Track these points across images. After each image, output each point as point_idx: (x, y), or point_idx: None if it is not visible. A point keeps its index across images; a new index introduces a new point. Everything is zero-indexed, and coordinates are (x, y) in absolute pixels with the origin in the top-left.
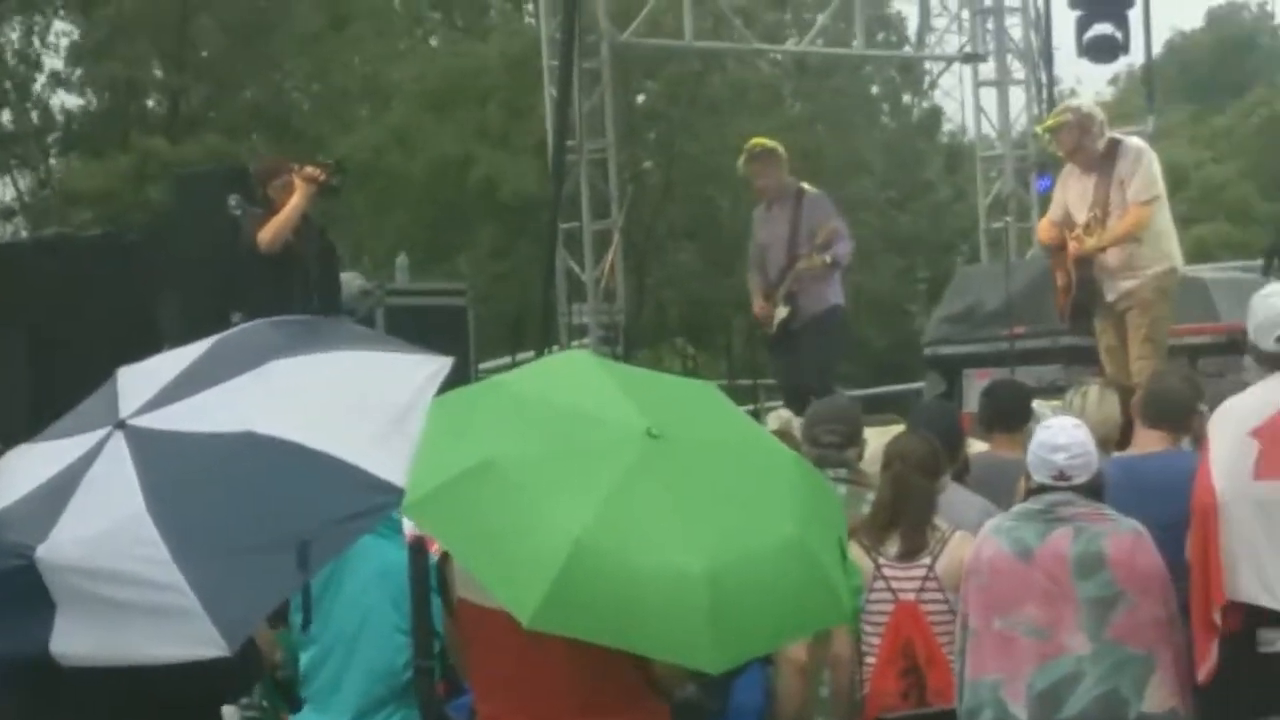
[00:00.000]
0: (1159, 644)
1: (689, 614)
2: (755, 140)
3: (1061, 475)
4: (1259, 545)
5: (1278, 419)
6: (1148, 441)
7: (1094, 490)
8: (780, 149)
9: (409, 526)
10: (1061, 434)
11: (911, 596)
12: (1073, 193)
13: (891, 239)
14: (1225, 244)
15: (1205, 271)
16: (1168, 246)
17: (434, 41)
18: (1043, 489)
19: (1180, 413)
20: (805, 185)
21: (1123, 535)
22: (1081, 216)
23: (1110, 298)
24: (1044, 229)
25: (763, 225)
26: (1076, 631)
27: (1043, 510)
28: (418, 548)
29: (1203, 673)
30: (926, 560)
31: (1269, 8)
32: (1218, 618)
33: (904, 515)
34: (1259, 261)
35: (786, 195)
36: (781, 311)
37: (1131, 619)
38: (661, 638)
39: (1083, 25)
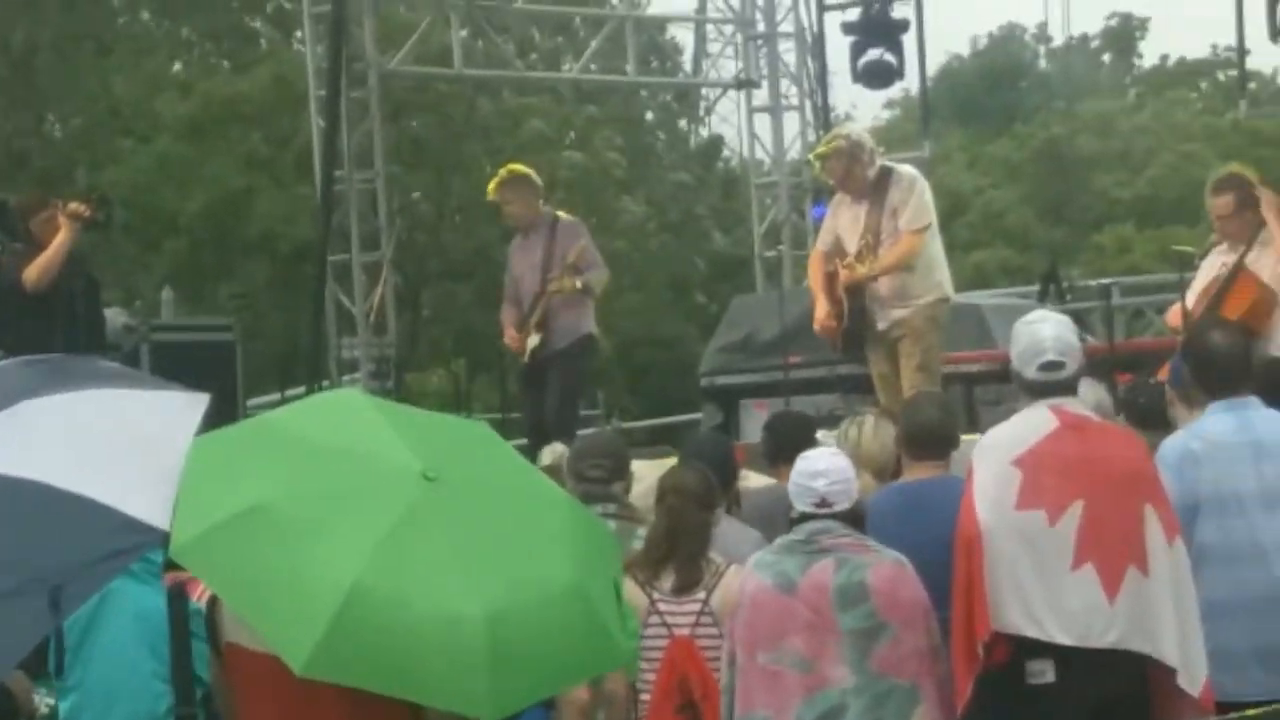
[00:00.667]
0: (923, 675)
1: (466, 660)
2: (508, 166)
3: (823, 502)
4: (1023, 576)
5: (1040, 448)
6: (917, 473)
7: (855, 519)
8: (533, 175)
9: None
10: (820, 461)
11: (686, 631)
12: (844, 221)
13: (668, 267)
14: (1005, 269)
15: (981, 298)
16: (939, 275)
17: (199, 71)
18: (804, 517)
19: (942, 443)
20: (561, 214)
21: (885, 566)
22: (853, 245)
23: (882, 326)
24: (814, 259)
25: (517, 255)
26: (840, 664)
27: (804, 541)
28: (177, 593)
29: (959, 705)
30: (701, 594)
31: (1048, 29)
32: (980, 650)
33: (679, 549)
34: (1035, 288)
35: (541, 224)
36: (533, 340)
37: (894, 650)
38: (438, 685)
39: (857, 50)
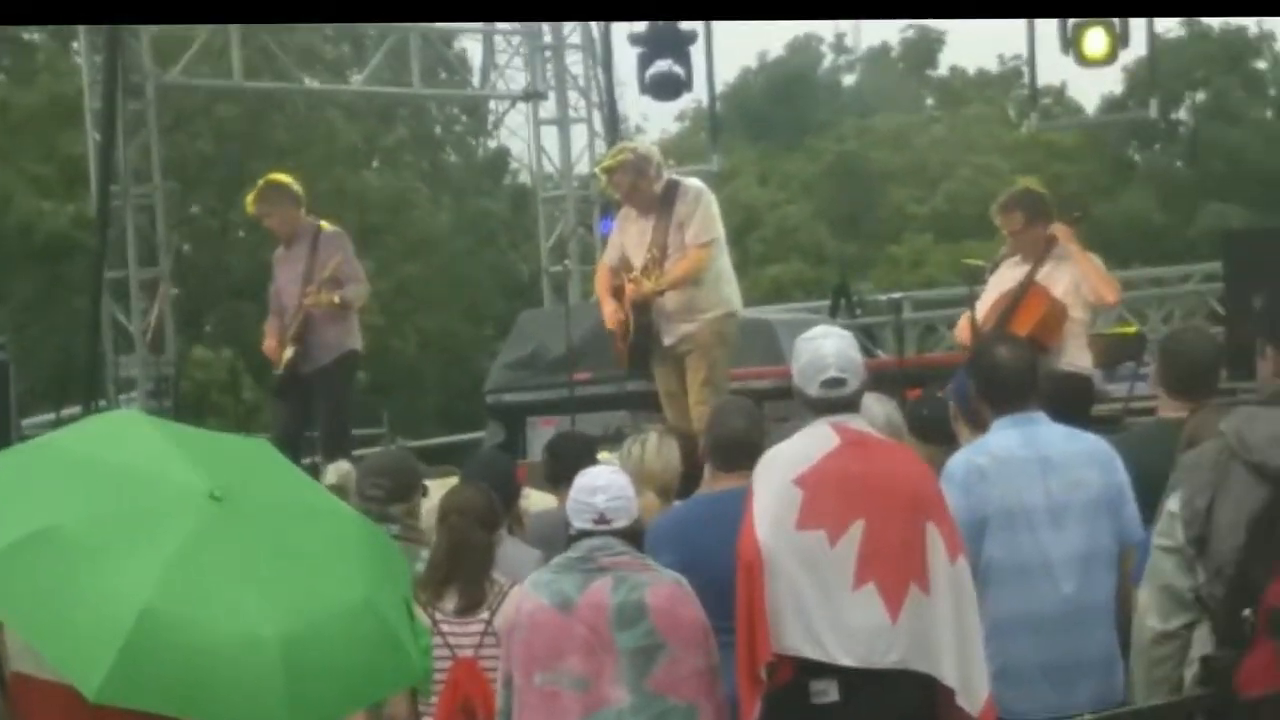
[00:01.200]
0: (700, 696)
1: (262, 682)
2: (267, 177)
3: (601, 518)
4: (804, 596)
5: (821, 467)
6: (724, 483)
7: (634, 536)
8: (293, 185)
9: None
10: (600, 477)
11: (470, 653)
12: (630, 235)
13: (457, 282)
14: (800, 283)
15: (771, 314)
16: (727, 290)
17: None
18: (582, 534)
19: (748, 452)
20: (324, 224)
21: (663, 586)
22: (639, 259)
23: (668, 342)
24: (601, 272)
25: (280, 266)
26: (617, 683)
27: (582, 559)
28: None
29: None
30: (485, 615)
31: (847, 40)
32: (763, 673)
33: (461, 569)
34: (827, 302)
35: (303, 234)
36: (288, 352)
37: (672, 670)
38: (234, 707)
39: (644, 62)
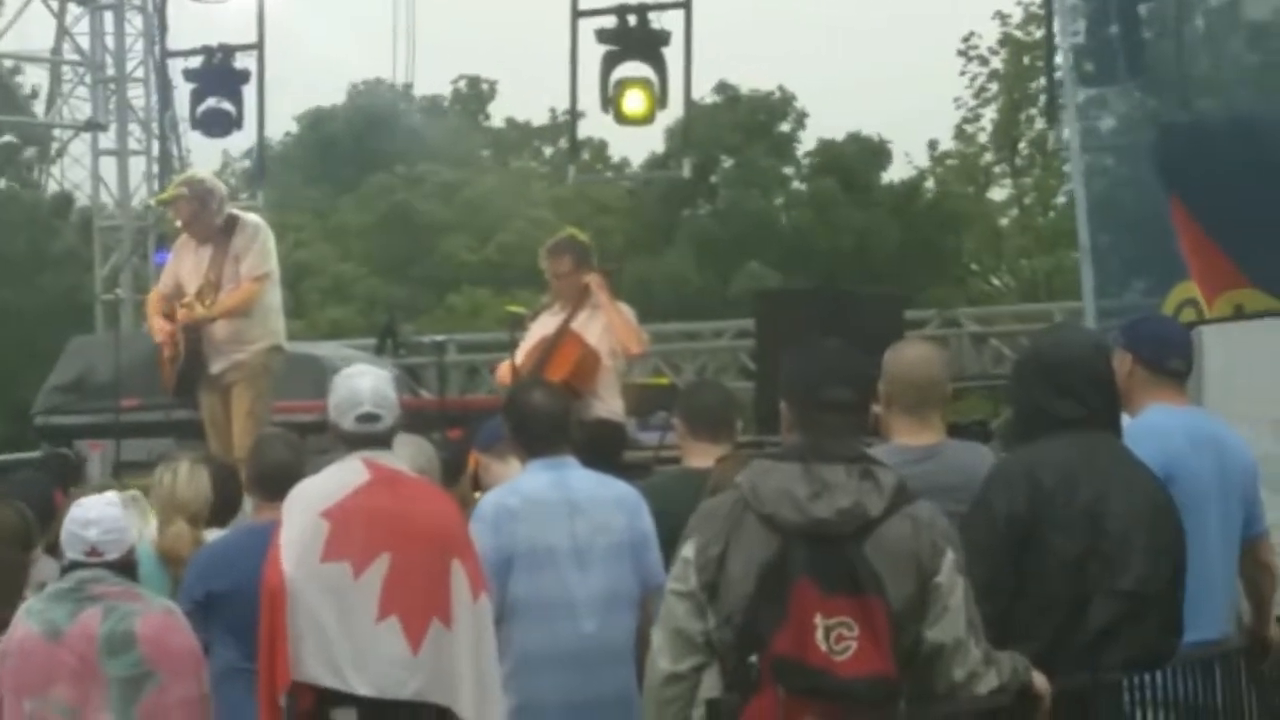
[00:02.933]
0: None
1: None
2: None
3: (93, 551)
4: (327, 627)
5: (349, 502)
6: (266, 514)
7: (127, 567)
8: None
9: None
10: (93, 509)
11: None
12: (186, 264)
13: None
14: (356, 326)
15: (322, 349)
16: (275, 324)
17: None
18: (74, 565)
19: (291, 482)
20: None
21: (154, 614)
22: (193, 288)
23: (215, 370)
24: (153, 299)
25: None
26: (105, 711)
27: (73, 589)
28: None
29: None
30: None
31: (411, 85)
32: (283, 700)
33: None
34: (374, 341)
35: None
36: None
37: (160, 699)
38: None
39: (197, 98)
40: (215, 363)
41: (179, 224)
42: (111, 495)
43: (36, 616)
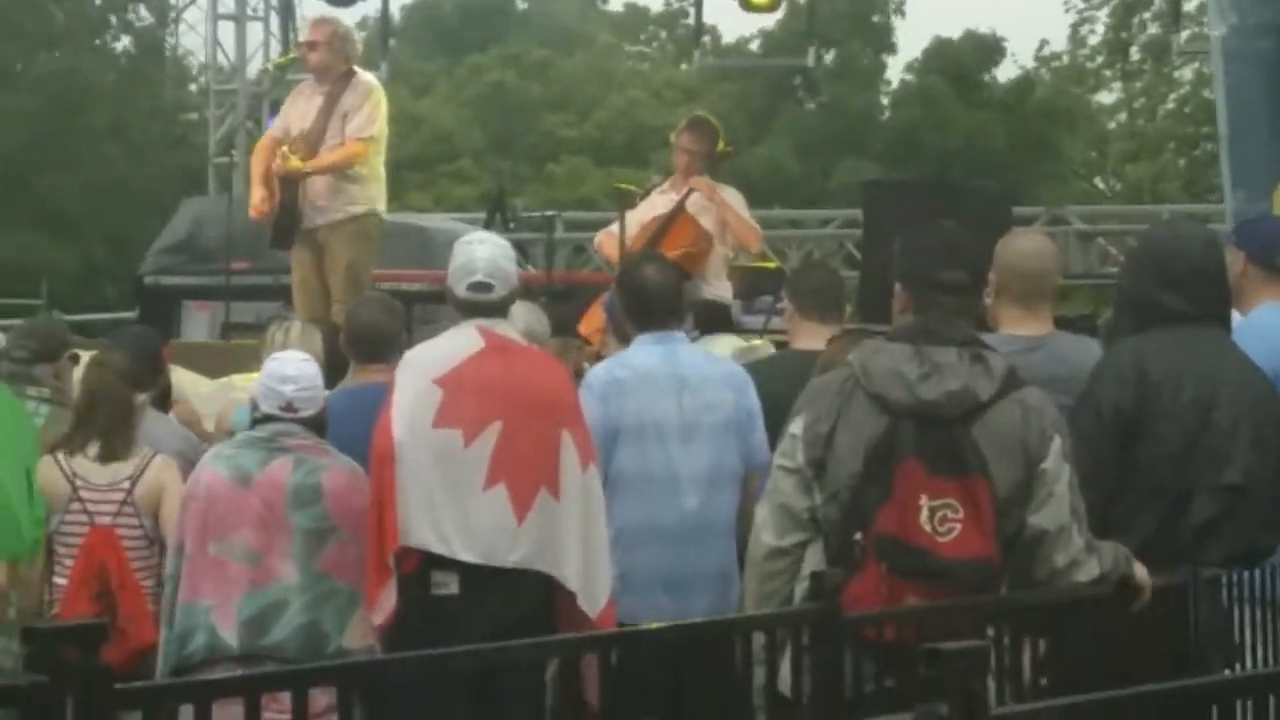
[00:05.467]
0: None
1: None
2: None
3: (289, 406)
4: (434, 493)
5: (462, 369)
6: (364, 376)
7: (318, 424)
8: None
9: None
10: (290, 366)
11: (108, 520)
12: (297, 110)
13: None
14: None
15: (428, 220)
16: (375, 190)
17: None
18: (268, 419)
19: (385, 346)
20: None
21: (340, 472)
22: (298, 132)
23: (309, 227)
24: (261, 145)
25: None
26: (287, 560)
27: (266, 439)
28: None
29: (378, 615)
30: (126, 484)
31: None
32: (391, 562)
33: (98, 418)
34: (483, 215)
35: None
36: None
37: (341, 554)
38: None
39: None
40: (311, 218)
41: (307, 65)
42: (304, 353)
43: (225, 462)
